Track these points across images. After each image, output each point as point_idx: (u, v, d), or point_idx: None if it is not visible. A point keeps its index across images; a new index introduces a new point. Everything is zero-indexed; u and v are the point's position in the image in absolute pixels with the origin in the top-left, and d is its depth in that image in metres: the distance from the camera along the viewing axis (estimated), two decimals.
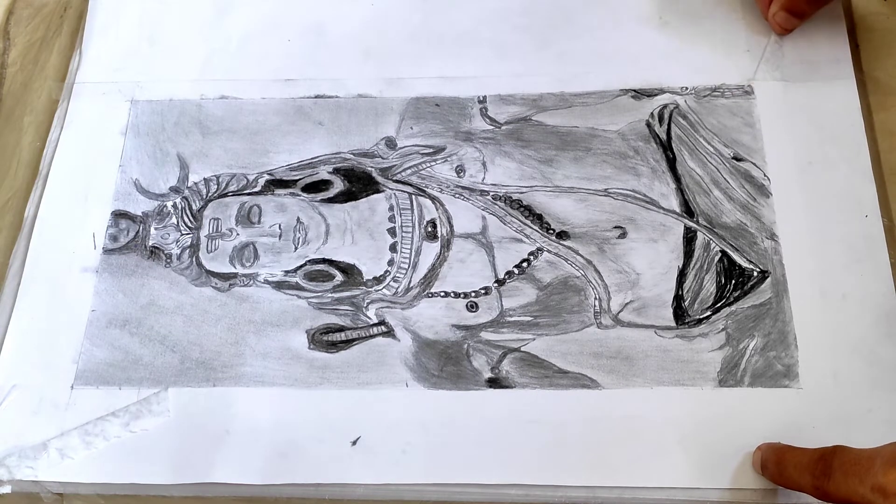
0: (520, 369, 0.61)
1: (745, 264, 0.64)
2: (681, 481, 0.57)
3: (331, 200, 0.68)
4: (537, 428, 0.59)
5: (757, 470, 0.57)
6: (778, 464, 0.56)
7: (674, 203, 0.66)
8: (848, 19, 0.72)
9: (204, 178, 0.69)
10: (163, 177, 0.69)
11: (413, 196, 0.68)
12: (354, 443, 0.59)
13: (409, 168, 0.69)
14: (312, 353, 0.63)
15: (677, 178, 0.67)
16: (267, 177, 0.69)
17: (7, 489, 0.59)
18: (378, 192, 0.68)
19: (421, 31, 0.74)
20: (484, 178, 0.68)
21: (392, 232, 0.66)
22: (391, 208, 0.67)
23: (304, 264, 0.66)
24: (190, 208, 0.68)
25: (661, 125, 0.69)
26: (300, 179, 0.69)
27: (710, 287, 0.63)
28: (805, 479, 0.53)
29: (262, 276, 0.65)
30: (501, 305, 0.64)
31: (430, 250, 0.66)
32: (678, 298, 0.63)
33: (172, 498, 0.60)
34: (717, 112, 0.69)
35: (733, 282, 0.63)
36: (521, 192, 0.67)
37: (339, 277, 0.65)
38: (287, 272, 0.66)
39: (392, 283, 0.65)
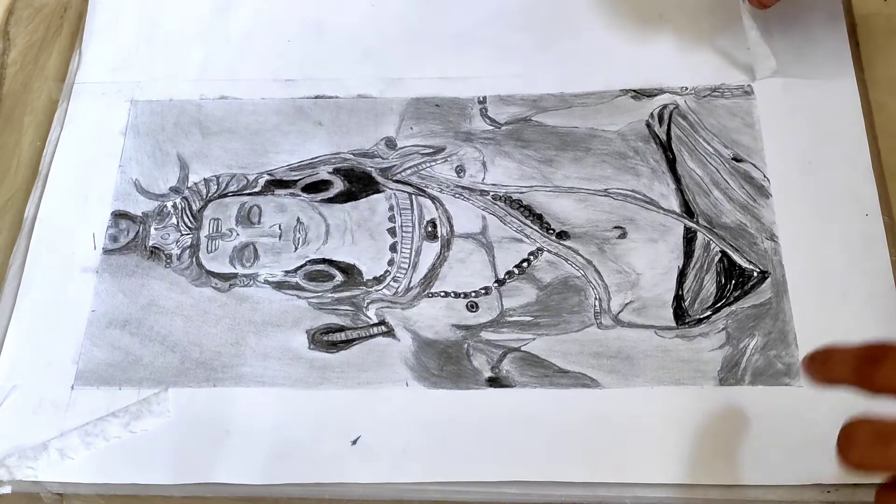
0: (520, 369, 0.61)
1: (745, 265, 0.64)
2: (681, 478, 0.57)
3: (331, 200, 0.68)
4: (537, 427, 0.59)
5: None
6: (824, 361, 0.50)
7: (674, 203, 0.66)
8: (848, 19, 0.72)
9: (204, 179, 0.69)
10: (163, 177, 0.69)
11: (413, 196, 0.68)
12: (354, 442, 0.59)
13: (409, 168, 0.69)
14: (313, 353, 0.63)
15: (677, 179, 0.67)
16: (267, 177, 0.69)
17: (7, 489, 0.59)
18: (378, 192, 0.68)
19: (421, 32, 0.74)
20: (484, 178, 0.68)
21: (392, 232, 0.66)
22: (391, 208, 0.67)
23: (304, 264, 0.66)
24: (190, 208, 0.68)
25: (660, 125, 0.69)
26: (300, 180, 0.69)
27: (710, 287, 0.63)
28: (849, 370, 0.48)
29: (263, 276, 0.65)
30: (501, 305, 0.64)
31: (430, 250, 0.66)
32: (678, 298, 0.63)
33: (173, 498, 0.59)
34: (717, 112, 0.69)
35: (733, 282, 0.63)
36: (521, 192, 0.67)
37: (339, 277, 0.65)
38: (287, 272, 0.66)
39: (392, 283, 0.65)
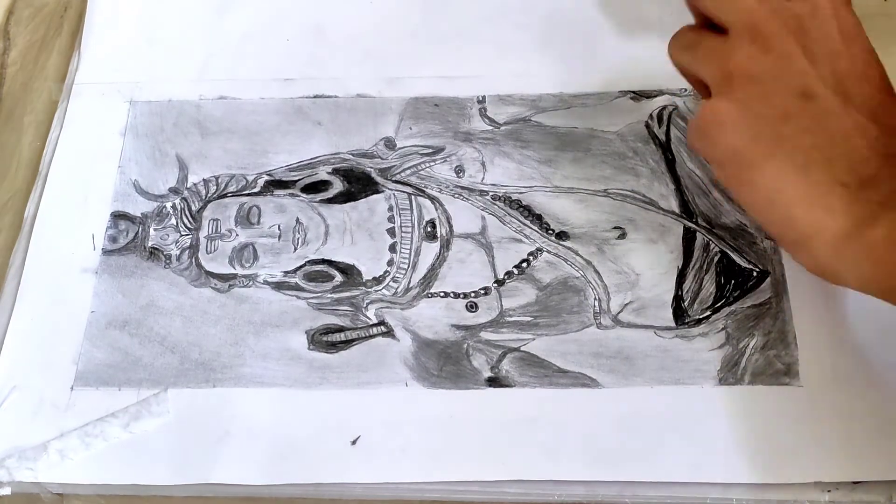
0: (519, 368, 0.61)
1: (744, 264, 0.64)
2: (680, 477, 0.57)
3: (330, 201, 0.68)
4: (537, 426, 0.59)
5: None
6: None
7: (673, 204, 0.66)
8: None
9: (203, 179, 0.69)
10: (162, 178, 0.69)
11: (412, 196, 0.68)
12: (354, 442, 0.59)
13: (409, 168, 0.69)
14: (312, 354, 0.63)
15: (676, 180, 0.67)
16: (266, 177, 0.69)
17: (7, 490, 0.59)
18: (377, 192, 0.68)
19: (420, 31, 0.74)
20: (483, 178, 0.68)
21: (391, 232, 0.66)
22: (390, 209, 0.67)
23: (304, 265, 0.66)
24: (189, 209, 0.68)
25: (660, 126, 0.69)
26: (299, 180, 0.69)
27: (709, 287, 0.63)
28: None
29: (262, 276, 0.65)
30: (501, 305, 0.64)
31: (430, 250, 0.66)
32: (678, 299, 0.63)
33: (172, 498, 0.59)
34: None
35: (733, 282, 0.63)
36: (521, 193, 0.67)
37: (339, 278, 0.65)
38: (286, 273, 0.65)
39: (391, 284, 0.65)
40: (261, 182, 0.69)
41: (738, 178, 0.55)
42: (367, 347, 0.63)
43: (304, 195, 0.68)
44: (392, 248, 0.66)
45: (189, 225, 0.67)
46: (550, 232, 0.66)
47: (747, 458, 0.57)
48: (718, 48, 0.56)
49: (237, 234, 0.67)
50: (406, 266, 0.65)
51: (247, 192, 0.68)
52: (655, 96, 0.71)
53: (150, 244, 0.67)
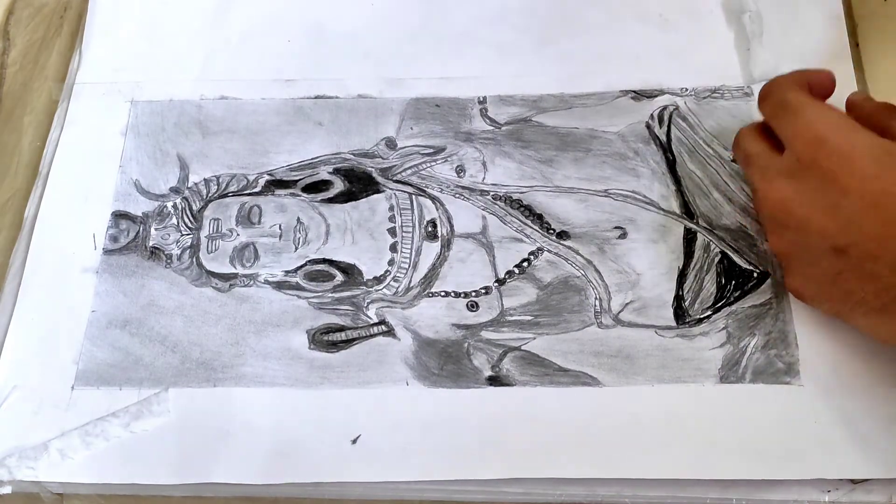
0: (520, 367, 0.61)
1: (745, 266, 0.64)
2: (680, 476, 0.57)
3: (331, 201, 0.68)
4: (537, 425, 0.59)
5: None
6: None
7: (674, 204, 0.66)
8: (848, 19, 0.72)
9: (204, 179, 0.69)
10: (163, 177, 0.69)
11: (413, 196, 0.68)
12: (355, 441, 0.59)
13: (410, 168, 0.69)
14: (313, 353, 0.63)
15: (677, 180, 0.67)
16: (267, 177, 0.69)
17: (7, 489, 0.59)
18: (378, 192, 0.68)
19: (421, 32, 0.74)
20: (484, 178, 0.68)
21: (392, 232, 0.66)
22: (391, 208, 0.67)
23: (305, 264, 0.66)
24: (190, 209, 0.68)
25: (661, 127, 0.69)
26: (300, 180, 0.69)
27: (710, 287, 0.63)
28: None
29: (263, 276, 0.65)
30: (502, 305, 0.64)
31: (431, 250, 0.66)
32: (678, 298, 0.63)
33: (172, 498, 0.59)
34: (717, 114, 0.69)
35: (734, 282, 0.63)
36: (522, 192, 0.67)
37: (340, 277, 0.65)
38: (287, 272, 0.65)
39: (392, 283, 0.65)
40: (262, 182, 0.69)
41: None
42: (368, 347, 0.63)
43: (304, 195, 0.68)
44: (393, 248, 0.66)
45: (190, 224, 0.67)
46: (551, 231, 0.66)
47: (747, 456, 0.57)
48: None
49: (238, 234, 0.67)
50: (407, 265, 0.65)
51: (248, 191, 0.68)
52: (656, 96, 0.71)
53: (151, 244, 0.67)
